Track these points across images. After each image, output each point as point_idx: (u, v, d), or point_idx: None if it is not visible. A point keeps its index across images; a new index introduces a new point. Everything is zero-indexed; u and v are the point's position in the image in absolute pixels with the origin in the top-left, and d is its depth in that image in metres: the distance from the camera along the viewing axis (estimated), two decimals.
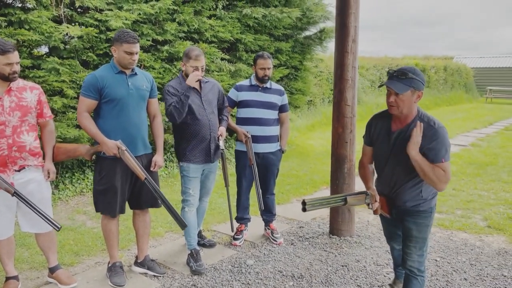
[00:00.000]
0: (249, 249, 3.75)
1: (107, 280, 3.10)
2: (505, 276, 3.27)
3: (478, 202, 5.07)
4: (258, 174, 3.65)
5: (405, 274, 2.62)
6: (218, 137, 3.35)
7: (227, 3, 6.71)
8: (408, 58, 19.81)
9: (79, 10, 5.25)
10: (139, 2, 5.46)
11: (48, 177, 2.85)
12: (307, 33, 8.44)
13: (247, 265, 3.42)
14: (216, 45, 6.44)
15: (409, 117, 2.41)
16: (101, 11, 5.13)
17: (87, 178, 5.29)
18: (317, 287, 3.11)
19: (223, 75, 6.47)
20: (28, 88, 2.78)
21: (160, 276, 3.21)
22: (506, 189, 5.61)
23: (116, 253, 3.16)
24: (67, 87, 4.79)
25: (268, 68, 3.66)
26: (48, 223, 2.66)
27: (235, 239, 3.85)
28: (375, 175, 2.69)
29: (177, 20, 5.89)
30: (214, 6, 6.49)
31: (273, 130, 3.75)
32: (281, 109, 3.81)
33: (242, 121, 3.72)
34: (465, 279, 3.23)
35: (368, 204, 2.51)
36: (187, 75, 3.21)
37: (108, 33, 5.10)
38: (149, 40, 5.57)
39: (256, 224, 4.11)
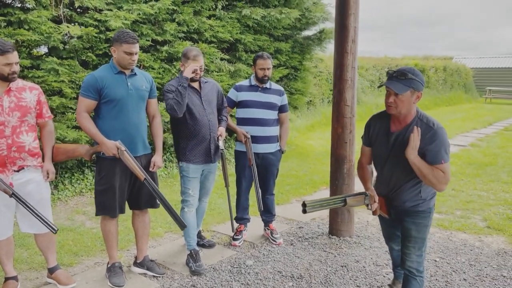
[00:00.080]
0: (248, 250, 3.75)
1: (106, 281, 3.10)
2: (504, 277, 3.27)
3: (478, 203, 5.07)
4: (257, 174, 3.65)
5: (404, 274, 2.62)
6: (217, 138, 3.35)
7: (227, 3, 6.72)
8: (407, 58, 19.82)
9: (78, 10, 5.25)
10: (138, 2, 5.46)
11: (48, 177, 2.85)
12: (307, 33, 8.46)
13: (247, 266, 3.42)
14: (215, 45, 6.44)
15: (408, 118, 2.41)
16: (100, 11, 5.13)
17: (87, 178, 5.28)
18: (316, 287, 3.11)
19: (222, 75, 6.47)
20: (28, 88, 2.78)
21: (159, 277, 3.20)
22: (506, 190, 5.62)
23: (115, 254, 3.16)
24: (66, 87, 4.79)
25: (268, 69, 3.66)
26: (45, 225, 2.66)
27: (234, 239, 3.85)
28: (374, 176, 2.69)
29: (176, 20, 5.89)
30: (214, 6, 6.50)
31: (273, 131, 3.75)
32: (281, 109, 3.81)
33: (241, 121, 3.72)
34: (465, 279, 3.23)
35: (367, 205, 2.52)
36: None
37: (108, 33, 5.10)
38: (148, 40, 5.57)
39: (255, 224, 4.11)
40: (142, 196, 3.10)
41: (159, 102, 5.00)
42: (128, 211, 3.18)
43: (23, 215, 2.80)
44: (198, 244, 3.65)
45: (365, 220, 4.51)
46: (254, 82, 3.74)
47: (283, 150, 3.86)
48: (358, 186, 3.44)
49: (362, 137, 2.71)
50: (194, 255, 3.33)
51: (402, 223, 2.56)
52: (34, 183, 2.78)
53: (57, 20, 4.89)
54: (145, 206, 3.17)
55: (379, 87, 2.48)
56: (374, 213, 2.56)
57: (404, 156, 2.34)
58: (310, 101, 11.34)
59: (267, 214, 3.93)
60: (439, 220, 4.45)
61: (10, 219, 2.81)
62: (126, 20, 5.12)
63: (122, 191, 2.99)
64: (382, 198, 2.56)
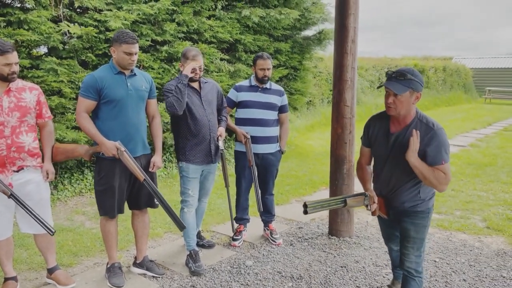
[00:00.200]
0: (248, 250, 3.75)
1: (106, 281, 3.10)
2: (504, 277, 3.27)
3: (477, 203, 5.07)
4: (257, 174, 3.65)
5: (403, 275, 2.62)
6: (217, 138, 3.35)
7: (226, 3, 6.72)
8: (407, 59, 19.83)
9: (78, 10, 5.25)
10: (138, 2, 5.46)
11: (47, 177, 2.85)
12: (306, 33, 8.46)
13: (246, 266, 3.42)
14: (215, 46, 6.44)
15: (408, 118, 2.41)
16: (100, 11, 5.13)
17: (86, 178, 5.28)
18: None
19: (222, 76, 6.47)
20: (27, 89, 2.78)
21: (159, 277, 3.20)
22: (505, 190, 5.62)
23: (115, 254, 3.16)
24: (66, 88, 4.79)
25: (268, 69, 3.66)
26: (43, 227, 2.66)
27: (234, 239, 3.85)
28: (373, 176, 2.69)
29: (176, 20, 5.89)
30: (213, 7, 6.50)
31: (273, 131, 3.75)
32: (281, 109, 3.81)
33: (241, 122, 3.72)
34: (464, 280, 3.23)
35: (366, 205, 2.52)
36: None
37: (108, 33, 5.10)
38: (148, 41, 5.56)
39: (255, 224, 4.11)
40: (141, 197, 3.10)
41: (159, 102, 5.00)
42: (127, 211, 3.18)
43: (23, 215, 2.79)
44: (198, 245, 3.65)
45: (365, 221, 4.51)
46: (254, 82, 3.74)
47: (283, 150, 3.86)
48: (357, 186, 3.44)
49: (361, 138, 2.71)
50: (193, 256, 3.33)
51: (400, 224, 2.56)
52: (34, 183, 2.78)
53: (56, 21, 4.89)
54: (145, 206, 3.17)
55: (378, 87, 2.48)
56: (373, 213, 2.56)
57: (404, 157, 2.35)
58: (310, 101, 11.35)
59: (267, 214, 3.93)
60: (438, 221, 4.45)
61: (9, 220, 2.81)
62: (125, 20, 5.12)
63: (121, 191, 2.99)
64: (381, 199, 2.56)
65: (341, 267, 3.43)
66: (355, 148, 3.93)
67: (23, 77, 4.37)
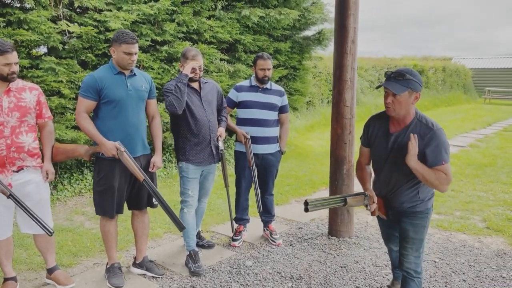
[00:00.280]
0: (248, 250, 3.75)
1: (106, 281, 3.09)
2: (503, 278, 3.27)
3: (477, 203, 5.08)
4: (257, 175, 3.65)
5: (402, 276, 2.62)
6: (217, 138, 3.35)
7: (226, 3, 6.72)
8: (406, 59, 19.84)
9: (78, 10, 5.24)
10: (138, 2, 5.45)
11: (47, 178, 2.85)
12: (306, 33, 8.46)
13: (246, 266, 3.42)
14: (215, 46, 6.44)
15: (407, 119, 2.41)
16: (100, 11, 5.12)
17: (86, 178, 5.28)
18: None
19: (222, 76, 6.47)
20: (27, 89, 2.77)
21: (158, 277, 3.20)
22: (505, 190, 5.62)
23: (114, 254, 3.16)
24: (65, 88, 4.78)
25: (268, 69, 3.66)
26: (41, 227, 2.66)
27: (233, 240, 3.85)
28: (373, 176, 2.69)
29: (176, 20, 5.89)
30: (213, 7, 6.50)
31: (273, 131, 3.75)
32: (281, 110, 3.81)
33: (241, 122, 3.72)
34: (464, 280, 3.23)
35: (366, 205, 2.52)
36: None
37: (107, 33, 5.10)
38: (148, 41, 5.56)
39: (255, 225, 4.11)
40: (141, 197, 3.10)
41: (159, 102, 4.99)
42: (127, 211, 3.17)
43: (22, 216, 2.79)
44: (198, 245, 3.64)
45: (365, 221, 4.51)
46: (254, 82, 3.74)
47: (283, 151, 3.86)
48: (357, 186, 3.44)
49: (361, 138, 2.71)
50: (193, 256, 3.32)
51: (400, 224, 2.56)
52: (34, 183, 2.78)
53: (56, 21, 4.88)
54: (145, 206, 3.17)
55: (377, 88, 2.49)
56: (372, 213, 2.56)
57: (404, 157, 2.35)
58: (310, 101, 11.35)
59: (267, 214, 3.93)
60: (438, 221, 4.46)
61: (9, 220, 2.80)
62: (125, 20, 5.12)
63: (121, 192, 2.99)
64: (380, 199, 2.56)
65: (341, 267, 3.43)
66: (355, 148, 3.92)
67: (23, 77, 4.37)
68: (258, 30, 7.24)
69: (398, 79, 2.31)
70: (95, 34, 4.99)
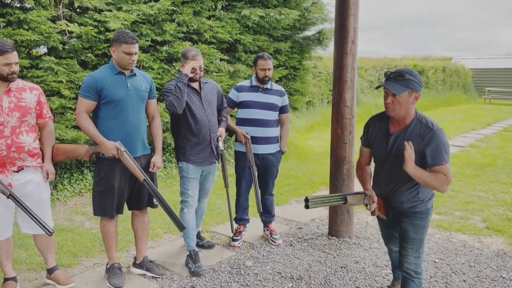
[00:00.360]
0: (248, 250, 3.75)
1: (106, 282, 3.09)
2: (504, 278, 3.27)
3: (477, 203, 5.08)
4: (257, 175, 3.65)
5: (402, 276, 2.62)
6: (217, 138, 3.35)
7: (226, 3, 6.71)
8: (406, 59, 19.84)
9: (78, 10, 5.24)
10: (138, 2, 5.45)
11: (47, 178, 2.85)
12: (306, 33, 8.46)
13: (246, 267, 3.42)
14: (215, 46, 6.44)
15: (407, 119, 2.41)
16: (100, 11, 5.12)
17: (86, 178, 5.28)
18: None
19: (222, 76, 6.47)
20: (28, 89, 2.77)
21: (158, 277, 3.20)
22: (505, 190, 5.62)
23: (114, 254, 3.16)
24: (65, 88, 4.78)
25: (269, 69, 3.66)
26: (41, 227, 2.66)
27: (234, 240, 3.85)
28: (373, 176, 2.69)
29: (176, 20, 5.89)
30: (213, 7, 6.49)
31: (273, 131, 3.75)
32: (282, 110, 3.81)
33: (242, 122, 3.72)
34: (464, 280, 3.23)
35: (366, 205, 2.52)
36: None
37: (107, 33, 5.10)
38: (148, 41, 5.56)
39: (255, 225, 4.11)
40: (142, 197, 3.10)
41: (159, 102, 4.99)
42: (127, 211, 3.17)
43: (23, 216, 2.79)
44: (198, 245, 3.64)
45: (365, 221, 4.50)
46: (255, 82, 3.74)
47: (283, 151, 3.86)
48: (357, 187, 3.44)
49: (361, 138, 2.71)
50: (193, 256, 3.32)
51: (399, 224, 2.56)
52: (34, 183, 2.78)
53: (56, 21, 4.88)
54: (145, 206, 3.17)
55: (376, 88, 2.49)
56: (372, 213, 2.56)
57: (403, 158, 2.35)
58: (310, 101, 11.35)
59: (267, 214, 3.93)
60: (438, 221, 4.45)
61: (9, 220, 2.80)
62: (125, 21, 5.12)
63: (121, 192, 2.99)
64: (380, 199, 2.56)
65: (341, 267, 3.43)
66: (355, 148, 3.93)
67: (23, 77, 4.36)
68: (258, 30, 7.23)
69: (398, 79, 2.31)
70: (95, 34, 4.99)
